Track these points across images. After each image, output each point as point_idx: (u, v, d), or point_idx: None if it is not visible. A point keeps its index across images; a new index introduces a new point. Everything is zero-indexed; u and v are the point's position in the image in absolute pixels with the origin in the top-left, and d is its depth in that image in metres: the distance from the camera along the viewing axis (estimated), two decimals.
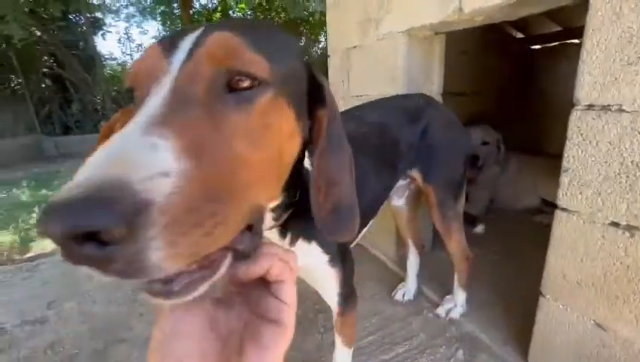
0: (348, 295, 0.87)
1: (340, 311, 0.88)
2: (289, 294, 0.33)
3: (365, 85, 1.80)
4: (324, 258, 0.77)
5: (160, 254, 0.22)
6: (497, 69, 2.65)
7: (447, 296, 1.46)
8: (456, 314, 1.40)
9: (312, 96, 0.46)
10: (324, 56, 2.21)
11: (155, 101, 0.29)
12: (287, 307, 0.32)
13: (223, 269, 0.29)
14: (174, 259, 0.23)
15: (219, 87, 0.33)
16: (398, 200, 1.40)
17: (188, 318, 0.30)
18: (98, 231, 0.20)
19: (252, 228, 0.33)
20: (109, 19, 10.88)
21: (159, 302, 0.27)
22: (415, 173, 1.19)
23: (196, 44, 0.34)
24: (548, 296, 1.02)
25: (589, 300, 0.92)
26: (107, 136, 0.39)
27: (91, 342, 1.41)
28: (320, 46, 10.84)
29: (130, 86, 0.37)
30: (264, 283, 0.33)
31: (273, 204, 0.53)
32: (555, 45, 2.76)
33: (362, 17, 1.70)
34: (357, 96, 1.86)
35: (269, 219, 0.56)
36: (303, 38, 10.53)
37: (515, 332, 1.27)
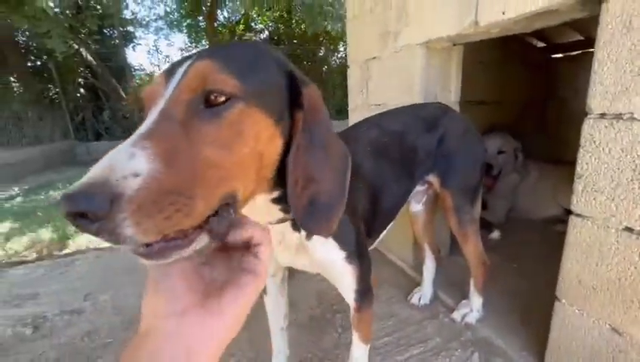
0: (365, 292, 0.91)
1: (357, 307, 0.93)
2: (265, 253, 0.42)
3: (384, 95, 1.87)
4: (342, 254, 0.82)
5: (131, 230, 0.32)
6: (517, 78, 2.65)
7: (463, 301, 1.47)
8: (472, 318, 1.41)
9: (296, 101, 0.52)
10: (343, 66, 2.30)
11: (148, 121, 0.40)
12: (262, 262, 0.42)
13: (196, 244, 0.38)
14: (144, 233, 0.33)
15: (195, 106, 0.42)
16: (417, 205, 1.45)
17: (178, 265, 0.38)
18: (86, 213, 0.31)
19: (218, 215, 0.41)
20: (139, 33, 11.53)
21: (143, 262, 0.36)
22: (433, 179, 1.24)
23: (184, 73, 0.44)
24: (563, 301, 1.04)
25: (605, 304, 0.93)
26: None
27: (124, 332, 1.51)
28: (339, 56, 11.02)
29: (142, 106, 0.48)
30: (245, 247, 0.43)
31: (273, 196, 0.57)
32: (575, 54, 2.73)
33: (381, 30, 1.77)
34: (376, 105, 1.93)
35: (275, 211, 0.60)
36: (323, 48, 10.73)
37: (532, 337, 1.27)
